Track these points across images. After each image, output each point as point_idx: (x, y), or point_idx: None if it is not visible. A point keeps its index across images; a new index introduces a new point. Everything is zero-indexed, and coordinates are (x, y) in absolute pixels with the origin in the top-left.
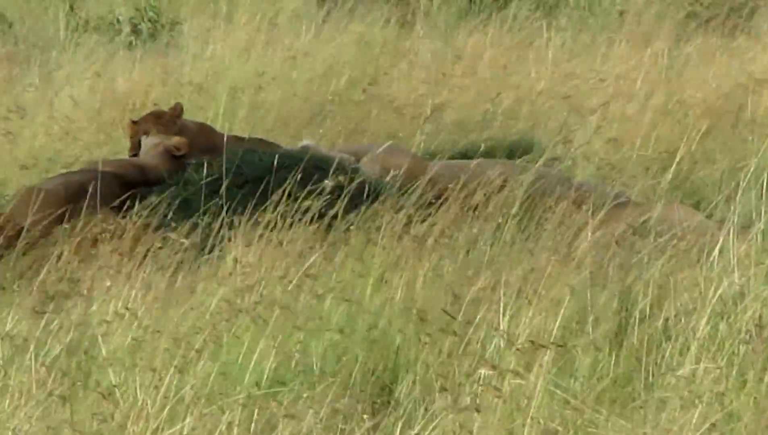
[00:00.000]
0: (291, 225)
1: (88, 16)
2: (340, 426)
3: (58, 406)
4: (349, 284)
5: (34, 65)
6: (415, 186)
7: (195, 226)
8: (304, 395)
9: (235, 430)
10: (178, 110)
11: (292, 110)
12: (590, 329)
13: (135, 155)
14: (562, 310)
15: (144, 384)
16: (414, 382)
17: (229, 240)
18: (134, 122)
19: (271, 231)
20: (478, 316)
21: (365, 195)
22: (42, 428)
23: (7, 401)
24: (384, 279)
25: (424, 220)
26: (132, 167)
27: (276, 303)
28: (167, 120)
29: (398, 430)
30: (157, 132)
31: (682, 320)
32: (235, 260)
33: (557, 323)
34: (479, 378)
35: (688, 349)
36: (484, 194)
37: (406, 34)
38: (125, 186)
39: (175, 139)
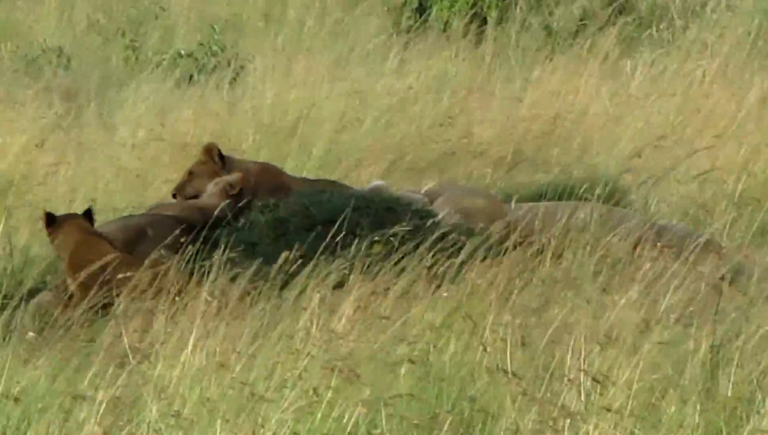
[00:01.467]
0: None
1: (149, 50)
2: None
3: None
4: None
5: (93, 102)
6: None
7: (261, 271)
8: None
9: None
10: (210, 151)
11: (364, 150)
12: (679, 380)
13: (174, 196)
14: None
15: None
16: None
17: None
18: (190, 172)
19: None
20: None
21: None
22: None
23: None
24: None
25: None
26: (193, 209)
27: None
28: (208, 162)
29: None
30: (204, 174)
31: None
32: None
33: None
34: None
35: None
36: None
37: (483, 70)
38: (186, 229)
39: (230, 177)
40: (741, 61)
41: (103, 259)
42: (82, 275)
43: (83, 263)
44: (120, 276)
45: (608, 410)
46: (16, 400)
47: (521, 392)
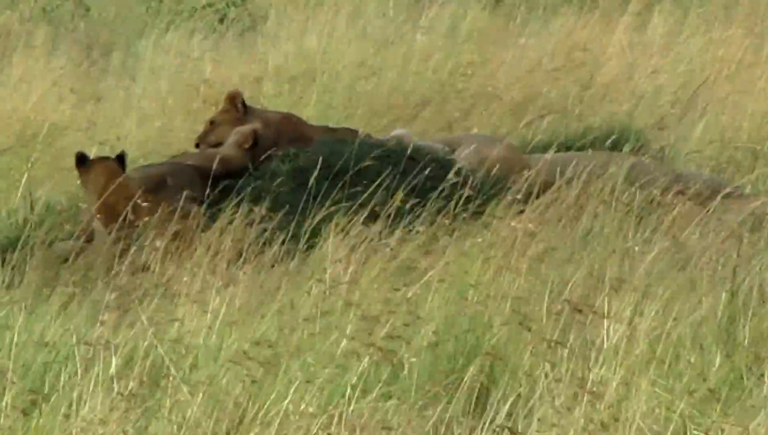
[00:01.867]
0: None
1: (170, 0)
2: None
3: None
4: (449, 281)
5: (114, 52)
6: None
7: (283, 220)
8: (399, 405)
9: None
10: (233, 99)
11: (386, 100)
12: (700, 328)
13: (197, 146)
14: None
15: (227, 392)
16: (513, 382)
17: (315, 234)
18: (212, 121)
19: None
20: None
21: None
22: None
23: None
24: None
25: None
26: (213, 159)
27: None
28: (230, 111)
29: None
30: (227, 123)
31: None
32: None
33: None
34: (579, 381)
35: None
36: (588, 187)
37: (505, 19)
38: (206, 178)
39: (244, 128)
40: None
41: (130, 201)
42: (108, 216)
43: (111, 204)
44: (145, 219)
45: (632, 357)
46: (46, 345)
47: (545, 340)
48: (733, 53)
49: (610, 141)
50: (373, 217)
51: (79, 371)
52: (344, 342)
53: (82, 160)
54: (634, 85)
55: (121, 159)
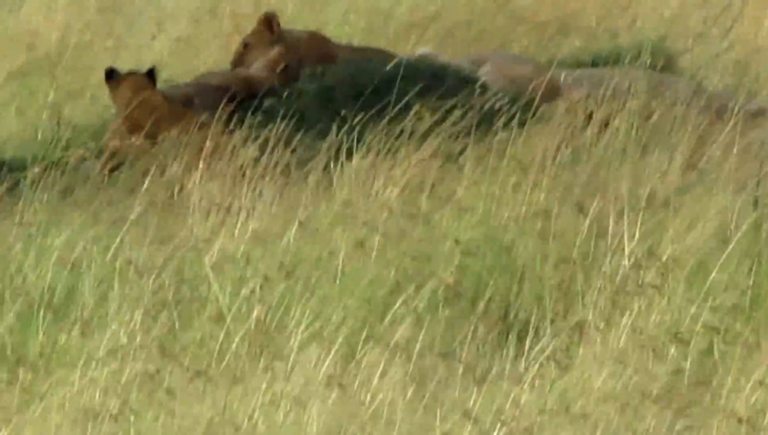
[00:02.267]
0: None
1: None
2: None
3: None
4: (472, 196)
5: None
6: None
7: (309, 138)
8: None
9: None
10: (269, 21)
11: (411, 18)
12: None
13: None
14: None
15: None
16: (540, 298)
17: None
18: (245, 44)
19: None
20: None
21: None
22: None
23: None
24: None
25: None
26: (240, 79)
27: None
28: (264, 33)
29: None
30: (261, 45)
31: None
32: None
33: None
34: (609, 295)
35: None
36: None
37: None
38: (233, 98)
39: (271, 54)
40: None
41: (157, 116)
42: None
43: (137, 119)
44: (172, 132)
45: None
46: (73, 265)
47: (566, 259)
48: None
49: (638, 61)
50: (397, 134)
51: (103, 289)
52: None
53: (111, 74)
54: (664, 5)
55: (151, 74)
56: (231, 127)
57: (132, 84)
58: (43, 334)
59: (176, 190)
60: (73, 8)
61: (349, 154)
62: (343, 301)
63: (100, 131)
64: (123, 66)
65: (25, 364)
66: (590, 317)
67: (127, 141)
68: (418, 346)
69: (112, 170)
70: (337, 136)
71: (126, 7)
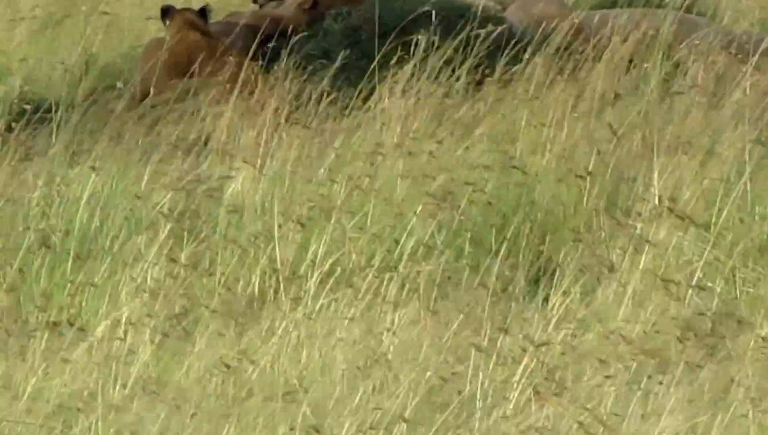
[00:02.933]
0: (436, 75)
1: None
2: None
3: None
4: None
5: None
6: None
7: (334, 77)
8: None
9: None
10: None
11: None
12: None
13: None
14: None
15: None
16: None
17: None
18: None
19: (416, 81)
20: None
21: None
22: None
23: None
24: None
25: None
26: (267, 18)
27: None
28: None
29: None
30: None
31: None
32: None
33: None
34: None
35: None
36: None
37: None
38: (261, 37)
39: None
40: None
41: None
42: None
43: (177, 56)
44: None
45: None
46: (87, 199)
47: (593, 196)
48: None
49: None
50: (422, 72)
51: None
52: (398, 190)
53: (166, 12)
54: None
55: (203, 12)
56: (262, 66)
57: (179, 20)
58: (70, 273)
59: (205, 131)
60: None
61: (370, 90)
62: (364, 238)
63: (129, 69)
64: (151, 5)
65: (54, 306)
66: (613, 259)
67: (162, 79)
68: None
69: (142, 101)
70: (363, 75)
71: None
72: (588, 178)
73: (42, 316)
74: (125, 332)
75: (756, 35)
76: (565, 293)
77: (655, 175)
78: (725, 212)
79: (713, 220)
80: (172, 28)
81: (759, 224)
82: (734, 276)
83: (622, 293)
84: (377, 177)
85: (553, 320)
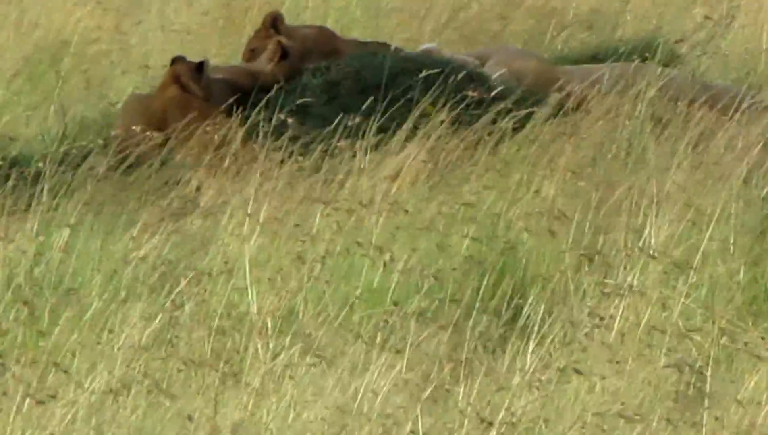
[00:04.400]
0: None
1: None
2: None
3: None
4: (481, 191)
5: None
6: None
7: (313, 132)
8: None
9: (360, 339)
10: (273, 21)
11: (415, 13)
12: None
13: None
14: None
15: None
16: (544, 290)
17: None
18: (252, 49)
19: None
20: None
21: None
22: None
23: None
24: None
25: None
26: (245, 73)
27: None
28: (269, 33)
29: (530, 344)
30: (263, 42)
31: None
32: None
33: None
34: (617, 291)
35: None
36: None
37: None
38: (238, 92)
39: (270, 46)
40: None
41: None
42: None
43: (160, 109)
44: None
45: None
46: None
47: (570, 245)
48: None
49: (638, 54)
50: (402, 129)
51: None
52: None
53: (174, 63)
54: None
55: (200, 66)
56: (239, 121)
57: (167, 74)
58: (55, 329)
59: (186, 188)
60: (80, 3)
61: (355, 149)
62: (351, 297)
63: (107, 126)
64: (129, 60)
65: (38, 359)
66: (592, 314)
67: (140, 137)
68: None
69: (120, 164)
70: (342, 130)
71: (135, 6)
72: (572, 227)
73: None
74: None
75: (736, 90)
76: (541, 342)
77: (641, 226)
78: (709, 262)
79: (695, 267)
80: (165, 77)
81: (745, 276)
82: (719, 327)
83: (604, 343)
84: (361, 232)
85: (530, 370)
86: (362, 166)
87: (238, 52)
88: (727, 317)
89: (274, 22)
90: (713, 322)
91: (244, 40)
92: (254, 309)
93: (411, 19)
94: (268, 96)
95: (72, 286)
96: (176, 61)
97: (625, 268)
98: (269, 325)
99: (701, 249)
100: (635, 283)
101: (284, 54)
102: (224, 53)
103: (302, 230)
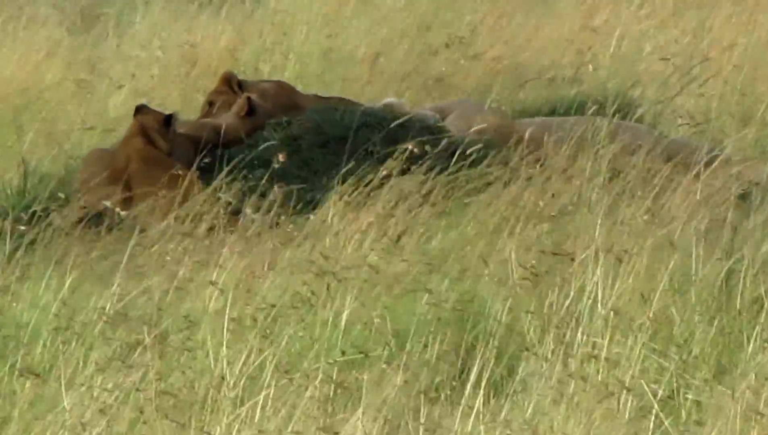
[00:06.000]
0: (370, 184)
1: None
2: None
3: (135, 374)
4: (439, 249)
5: (107, 22)
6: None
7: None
8: (387, 365)
9: (316, 402)
10: (228, 80)
11: (377, 67)
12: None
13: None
14: (660, 275)
15: (226, 353)
16: (496, 347)
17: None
18: (210, 102)
19: (353, 193)
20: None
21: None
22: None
23: (91, 368)
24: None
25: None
26: (207, 128)
27: (363, 266)
28: (225, 90)
29: (481, 401)
30: (224, 103)
31: None
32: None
33: (657, 291)
34: (574, 344)
35: None
36: (573, 151)
37: None
38: (201, 148)
39: (238, 101)
40: None
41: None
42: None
43: (123, 161)
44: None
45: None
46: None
47: (532, 310)
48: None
49: (600, 109)
50: (364, 184)
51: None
52: (344, 311)
53: (139, 111)
54: (624, 54)
55: (168, 119)
56: (202, 177)
57: (132, 125)
58: (25, 394)
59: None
60: (41, 57)
61: (315, 204)
62: (313, 356)
63: (69, 180)
64: (91, 114)
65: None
66: (548, 366)
67: (102, 191)
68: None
69: (81, 221)
70: (303, 185)
71: (94, 58)
72: (532, 282)
73: None
74: None
75: (693, 143)
76: (497, 396)
77: (590, 284)
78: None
79: (648, 324)
80: (127, 131)
81: (701, 330)
82: (676, 384)
83: (559, 400)
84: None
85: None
86: (325, 220)
87: (199, 107)
88: (687, 372)
89: (228, 81)
90: (671, 375)
91: (203, 95)
92: (214, 366)
93: (371, 73)
94: (230, 151)
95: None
96: (140, 109)
97: (578, 323)
98: (230, 381)
99: (652, 302)
100: (589, 340)
101: (251, 110)
102: (186, 109)
103: (263, 289)
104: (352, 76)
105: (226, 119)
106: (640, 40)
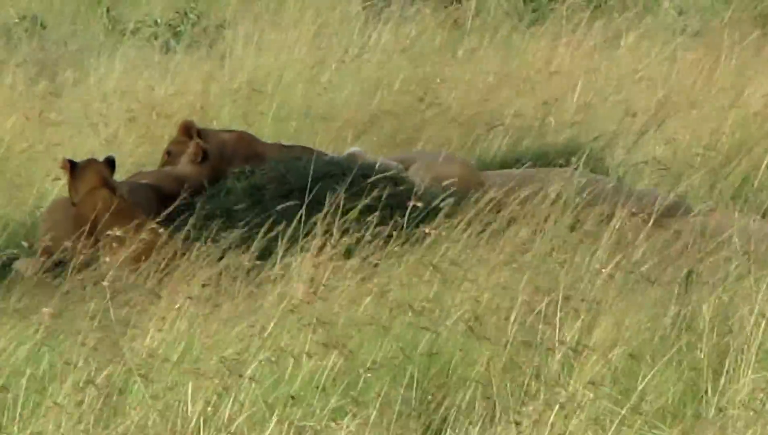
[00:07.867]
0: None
1: (125, 18)
2: None
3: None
4: (408, 296)
5: (69, 70)
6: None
7: (242, 238)
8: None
9: None
10: (187, 129)
11: (341, 117)
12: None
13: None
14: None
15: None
16: (468, 400)
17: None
18: (168, 151)
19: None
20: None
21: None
22: None
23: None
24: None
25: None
26: (169, 178)
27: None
28: (184, 140)
29: None
30: (183, 153)
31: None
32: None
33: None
34: (540, 397)
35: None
36: (537, 201)
37: (459, 37)
38: (163, 197)
39: (190, 148)
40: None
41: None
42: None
43: (86, 213)
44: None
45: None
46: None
47: (495, 360)
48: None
49: (563, 159)
50: (326, 236)
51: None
52: (304, 361)
53: (73, 166)
54: (587, 103)
55: (111, 163)
56: (164, 226)
57: (91, 175)
58: None
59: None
60: (5, 112)
61: (272, 251)
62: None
63: (32, 230)
64: (55, 164)
65: None
66: (520, 419)
67: (66, 239)
68: None
69: (47, 270)
70: (265, 235)
71: (54, 108)
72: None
73: None
74: None
75: (657, 194)
76: None
77: (556, 335)
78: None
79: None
80: (82, 182)
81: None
82: None
83: None
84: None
85: None
86: (293, 268)
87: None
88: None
89: (187, 130)
90: None
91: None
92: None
93: (335, 123)
94: (192, 201)
95: None
96: (91, 163)
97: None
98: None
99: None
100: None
101: (204, 156)
102: (149, 159)
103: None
104: (315, 128)
105: (184, 168)
106: (604, 87)
